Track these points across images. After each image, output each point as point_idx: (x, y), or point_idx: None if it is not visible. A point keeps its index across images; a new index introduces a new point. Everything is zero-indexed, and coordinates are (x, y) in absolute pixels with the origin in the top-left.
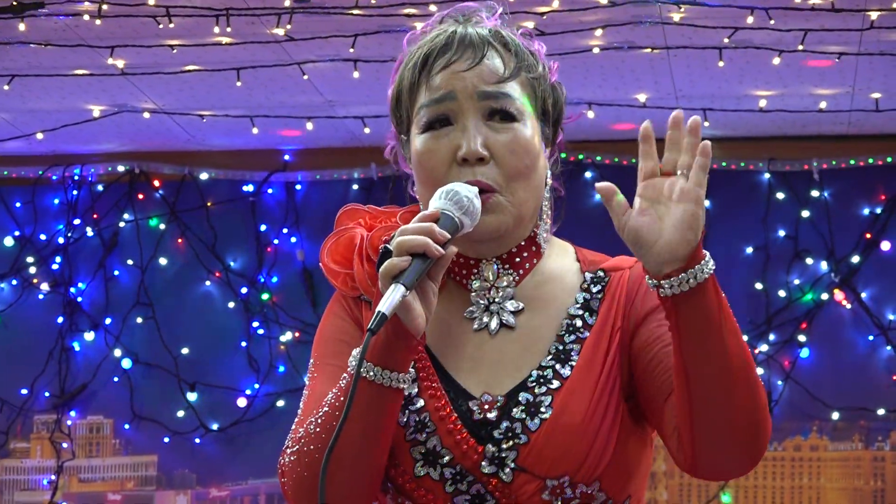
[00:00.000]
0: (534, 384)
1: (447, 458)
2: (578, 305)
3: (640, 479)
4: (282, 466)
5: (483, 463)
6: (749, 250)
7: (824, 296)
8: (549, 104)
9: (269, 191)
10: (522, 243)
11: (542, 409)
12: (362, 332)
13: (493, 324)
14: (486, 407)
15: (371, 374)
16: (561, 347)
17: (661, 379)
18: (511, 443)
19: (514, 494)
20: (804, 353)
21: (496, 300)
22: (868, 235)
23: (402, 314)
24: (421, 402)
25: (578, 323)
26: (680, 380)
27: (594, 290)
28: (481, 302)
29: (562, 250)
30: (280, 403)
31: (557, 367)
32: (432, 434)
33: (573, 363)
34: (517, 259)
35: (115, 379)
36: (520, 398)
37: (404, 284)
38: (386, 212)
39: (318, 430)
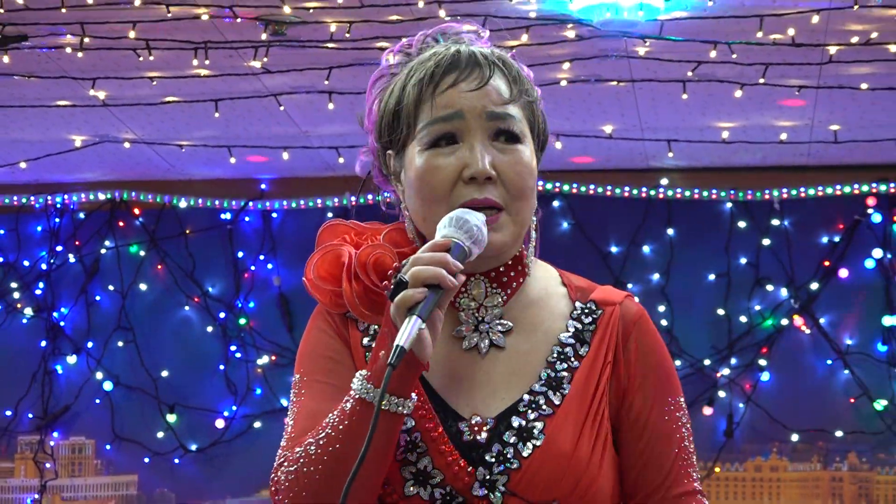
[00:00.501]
0: (525, 409)
1: (438, 478)
2: (570, 334)
3: (616, 495)
4: (275, 483)
5: (475, 485)
6: (711, 277)
7: (784, 321)
8: (541, 129)
9: (247, 218)
10: (510, 262)
11: (535, 435)
12: (349, 349)
13: (484, 344)
14: (476, 428)
15: (384, 403)
16: (553, 374)
17: (644, 482)
18: (502, 467)
19: None
20: (765, 376)
21: (485, 319)
22: (826, 263)
23: (416, 345)
24: (412, 423)
25: (570, 352)
26: None
27: (586, 321)
28: (470, 321)
29: (545, 272)
30: (257, 425)
31: (549, 394)
32: (423, 454)
33: (564, 392)
34: (504, 279)
35: (97, 401)
36: (512, 422)
37: (420, 317)
38: (370, 228)
39: (319, 451)
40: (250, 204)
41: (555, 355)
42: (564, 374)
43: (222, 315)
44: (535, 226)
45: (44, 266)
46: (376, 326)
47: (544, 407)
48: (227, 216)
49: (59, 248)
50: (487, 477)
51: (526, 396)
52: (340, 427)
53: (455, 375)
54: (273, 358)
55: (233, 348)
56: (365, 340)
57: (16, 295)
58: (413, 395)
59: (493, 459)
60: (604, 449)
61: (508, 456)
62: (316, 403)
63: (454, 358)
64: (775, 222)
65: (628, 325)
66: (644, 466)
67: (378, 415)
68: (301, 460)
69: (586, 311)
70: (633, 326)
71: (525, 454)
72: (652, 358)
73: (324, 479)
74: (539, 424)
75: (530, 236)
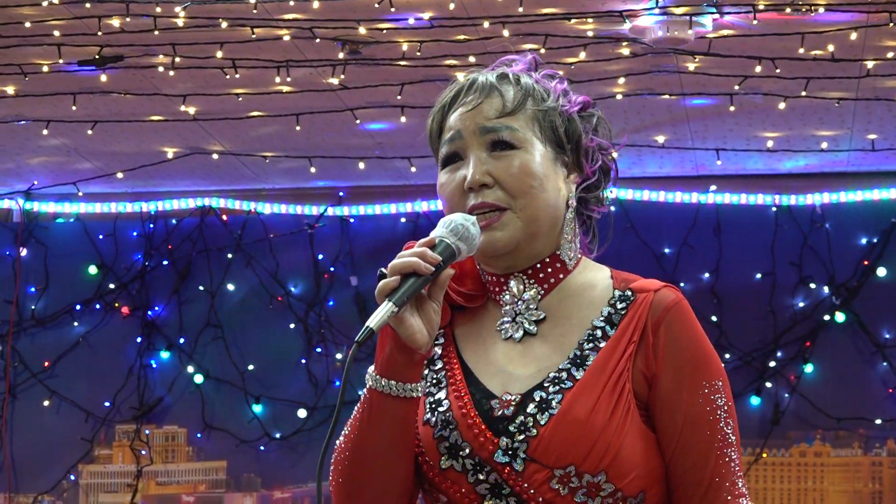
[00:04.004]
0: (549, 385)
1: (467, 450)
2: (602, 318)
3: (654, 478)
4: (330, 475)
5: (498, 453)
6: (758, 276)
7: (826, 317)
8: (562, 132)
9: (326, 224)
10: (547, 259)
11: (552, 406)
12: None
13: (518, 332)
14: (505, 404)
15: (382, 385)
16: (579, 353)
17: (683, 468)
18: (522, 436)
19: (526, 483)
20: (808, 368)
21: (521, 312)
22: (865, 262)
23: (399, 329)
24: (447, 404)
25: (599, 334)
26: None
27: (619, 306)
28: (508, 315)
29: (596, 269)
30: None
31: (572, 370)
32: (454, 429)
33: (587, 366)
34: (541, 274)
35: (190, 392)
36: (535, 396)
37: (393, 301)
38: None
39: (346, 443)
40: (329, 210)
41: (585, 337)
42: (590, 353)
43: (304, 313)
44: (573, 223)
45: (139, 269)
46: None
47: (566, 381)
48: (309, 222)
49: (153, 252)
50: (510, 445)
51: (552, 374)
52: (357, 416)
53: (493, 361)
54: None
55: (314, 343)
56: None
57: (113, 295)
58: (440, 377)
59: (516, 429)
60: (625, 420)
61: (528, 425)
62: None
63: (495, 348)
64: (817, 225)
65: (661, 311)
66: (681, 451)
67: (346, 378)
68: (336, 452)
69: (622, 297)
70: (665, 312)
71: (542, 422)
72: (684, 342)
73: (351, 466)
74: (558, 396)
75: (564, 234)
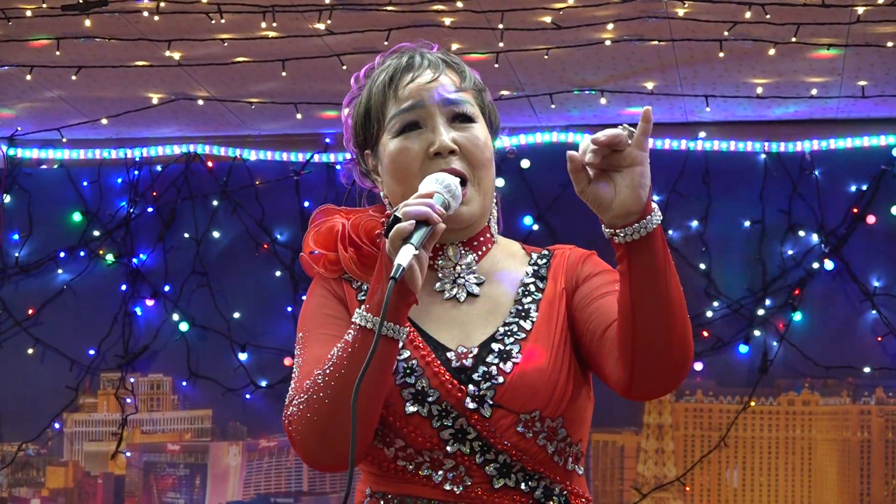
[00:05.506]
0: (502, 337)
1: (434, 396)
2: (529, 275)
3: (587, 427)
4: (288, 417)
5: (466, 400)
6: (747, 224)
7: (815, 265)
8: (492, 117)
9: (312, 171)
10: (478, 231)
11: (513, 356)
12: (346, 307)
13: (461, 293)
14: (462, 356)
15: (384, 327)
16: (521, 308)
17: (599, 318)
18: (489, 384)
19: (492, 427)
20: (797, 316)
21: (461, 275)
22: (855, 210)
23: (407, 274)
24: (407, 353)
25: (532, 288)
26: (626, 314)
27: (541, 262)
28: (448, 278)
29: (509, 242)
30: None
31: (520, 322)
32: (420, 377)
33: (533, 319)
34: (475, 243)
35: (175, 340)
36: (492, 347)
37: (413, 244)
38: (356, 210)
39: (326, 379)
40: (315, 157)
41: (520, 293)
42: (530, 305)
43: (290, 261)
44: (497, 204)
45: (124, 216)
46: (368, 283)
47: (518, 333)
48: (294, 168)
49: (137, 199)
50: (477, 393)
51: (501, 328)
52: (344, 355)
53: (439, 319)
54: None
55: (300, 292)
56: (359, 296)
57: (98, 243)
58: (406, 325)
59: (480, 378)
60: (570, 370)
61: (493, 373)
62: (320, 349)
63: (438, 307)
64: (806, 172)
65: (577, 259)
66: (596, 309)
67: (381, 327)
68: (310, 390)
69: (541, 256)
70: (580, 258)
71: (507, 370)
72: (597, 265)
73: (332, 403)
74: (516, 347)
75: (493, 214)
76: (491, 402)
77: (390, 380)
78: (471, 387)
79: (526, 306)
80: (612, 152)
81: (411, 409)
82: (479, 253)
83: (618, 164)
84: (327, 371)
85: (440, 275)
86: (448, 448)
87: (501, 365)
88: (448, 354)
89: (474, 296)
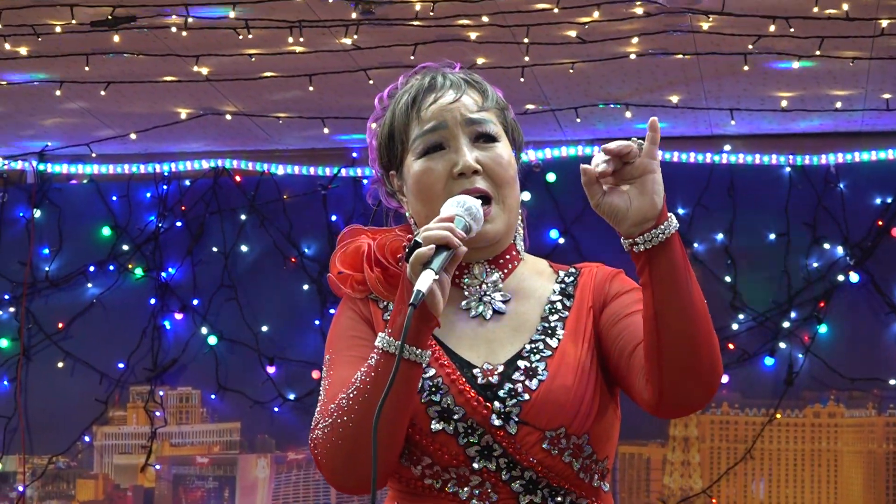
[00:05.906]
0: (528, 354)
1: (460, 413)
2: (556, 293)
3: (613, 444)
4: (314, 440)
5: (492, 417)
6: (772, 236)
7: (840, 277)
8: (515, 134)
9: (339, 185)
10: (504, 250)
11: (539, 373)
12: (372, 328)
13: (488, 311)
14: (488, 373)
15: (405, 352)
16: (547, 325)
17: (628, 336)
18: (514, 400)
19: (518, 444)
20: (822, 329)
21: (487, 293)
22: (880, 223)
23: (428, 298)
24: (432, 371)
25: (559, 305)
26: (651, 327)
27: (568, 280)
28: (473, 295)
29: (536, 260)
30: None
31: (547, 339)
32: (446, 394)
33: (559, 337)
34: (501, 261)
35: (203, 353)
36: (518, 364)
37: (433, 269)
38: (383, 229)
39: (350, 403)
40: (342, 171)
41: (546, 311)
42: (557, 323)
43: (317, 274)
44: (523, 221)
45: (153, 230)
46: (393, 303)
47: (545, 350)
48: (322, 182)
49: (166, 213)
50: (503, 410)
51: (527, 346)
52: (367, 379)
53: (465, 337)
54: None
55: (327, 305)
56: (385, 315)
57: (127, 257)
58: (429, 348)
59: (506, 395)
60: (597, 387)
61: (519, 391)
62: (346, 371)
63: (464, 325)
64: (831, 185)
65: (604, 277)
66: (625, 327)
67: (401, 352)
68: (334, 413)
69: (568, 275)
70: (608, 277)
71: (533, 388)
72: (620, 285)
73: (356, 427)
74: (542, 364)
75: (518, 232)
76: (517, 419)
77: (414, 402)
78: (496, 403)
79: (552, 324)
80: (624, 164)
81: (437, 426)
82: (505, 271)
83: (630, 175)
84: (351, 395)
85: (466, 293)
86: (474, 465)
87: (527, 382)
88: (474, 371)
89: (500, 313)
